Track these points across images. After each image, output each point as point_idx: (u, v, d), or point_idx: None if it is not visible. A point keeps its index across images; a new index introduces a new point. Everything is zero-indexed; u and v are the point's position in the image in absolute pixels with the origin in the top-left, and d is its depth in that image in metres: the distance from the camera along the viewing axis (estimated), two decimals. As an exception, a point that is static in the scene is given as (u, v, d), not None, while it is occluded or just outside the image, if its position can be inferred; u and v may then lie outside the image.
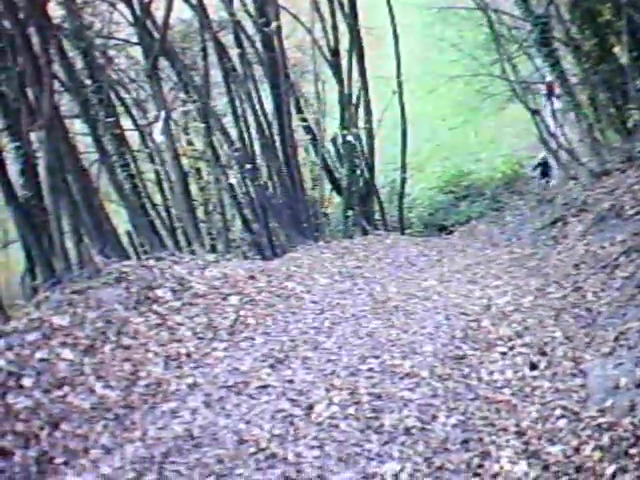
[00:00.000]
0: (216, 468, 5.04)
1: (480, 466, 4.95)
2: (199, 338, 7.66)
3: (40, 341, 6.76)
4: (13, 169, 15.08)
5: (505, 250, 14.72)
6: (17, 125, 13.80)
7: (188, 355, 7.22)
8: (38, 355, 6.53)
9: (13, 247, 20.49)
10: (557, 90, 21.02)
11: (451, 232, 20.48)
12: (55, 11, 15.86)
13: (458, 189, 22.53)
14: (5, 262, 20.75)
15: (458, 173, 23.08)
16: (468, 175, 23.27)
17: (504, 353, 7.25)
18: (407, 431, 5.62)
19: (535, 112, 20.06)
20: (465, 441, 5.41)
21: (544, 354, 6.99)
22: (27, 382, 6.13)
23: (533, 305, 8.72)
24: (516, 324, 8.05)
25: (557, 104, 22.19)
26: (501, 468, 4.88)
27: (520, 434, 5.41)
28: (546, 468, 4.82)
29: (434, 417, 5.87)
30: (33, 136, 13.34)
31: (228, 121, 21.65)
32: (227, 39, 21.33)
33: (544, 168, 21.09)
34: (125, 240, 18.43)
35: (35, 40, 11.74)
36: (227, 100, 21.44)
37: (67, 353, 6.68)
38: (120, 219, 18.54)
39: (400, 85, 22.91)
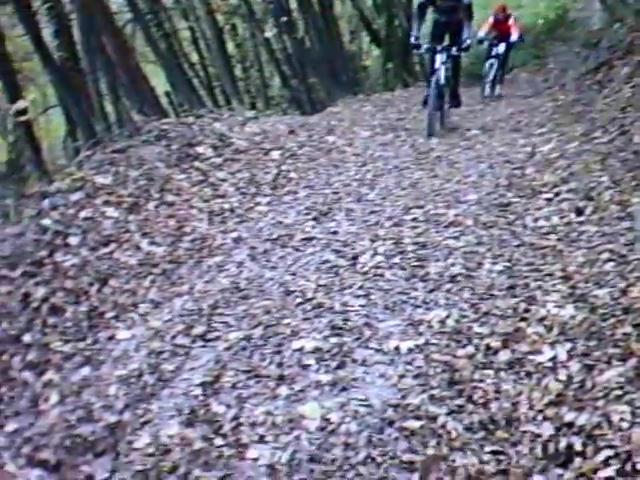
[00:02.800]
0: (263, 319, 5.09)
1: (527, 311, 4.93)
2: (242, 193, 7.66)
3: (84, 200, 6.78)
4: (47, 32, 14.92)
5: (549, 97, 14.42)
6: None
7: (232, 210, 7.23)
8: (83, 214, 6.56)
9: (53, 111, 20.51)
10: None
11: (493, 81, 20.08)
12: None
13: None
14: (46, 126, 20.80)
15: (500, 20, 22.40)
16: (510, 22, 22.61)
17: (549, 199, 7.15)
18: (452, 278, 5.61)
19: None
20: (511, 287, 5.39)
21: (590, 199, 6.88)
22: (74, 240, 6.18)
23: (578, 151, 8.55)
24: (561, 170, 7.92)
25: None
26: (548, 312, 4.86)
27: (566, 278, 5.38)
28: (593, 311, 4.79)
29: (479, 264, 5.85)
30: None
31: (262, -27, 21.15)
32: None
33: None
34: (164, 100, 18.35)
35: None
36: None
37: (111, 211, 6.71)
38: (158, 80, 18.40)
39: None
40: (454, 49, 11.48)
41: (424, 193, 7.83)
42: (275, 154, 8.96)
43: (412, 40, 11.65)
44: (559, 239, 6.16)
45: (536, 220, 6.67)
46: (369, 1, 23.46)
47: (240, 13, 20.74)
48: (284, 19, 19.92)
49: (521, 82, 19.11)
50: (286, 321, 5.03)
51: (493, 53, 16.90)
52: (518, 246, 6.12)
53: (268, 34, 20.54)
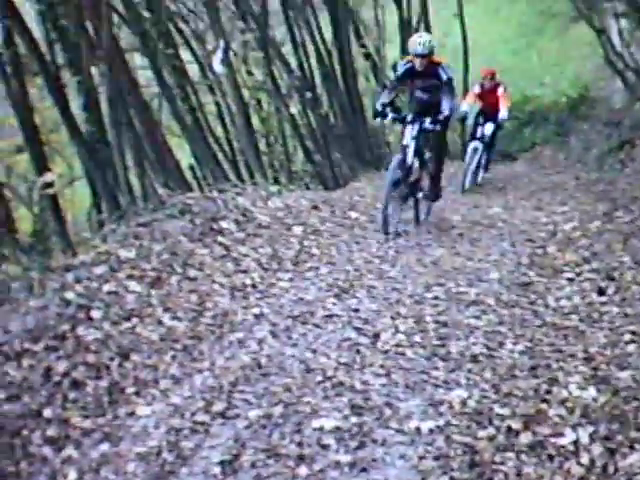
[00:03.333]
0: (284, 396, 5.08)
1: (548, 392, 4.91)
2: (264, 269, 7.69)
3: (108, 274, 6.83)
4: (75, 104, 15.17)
5: (571, 175, 14.50)
6: (78, 59, 13.84)
7: (254, 286, 7.25)
8: (106, 288, 6.61)
9: (78, 183, 20.74)
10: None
11: (515, 159, 20.19)
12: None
13: (522, 114, 22.09)
14: (71, 198, 21.02)
15: (522, 98, 22.58)
16: (532, 100, 22.80)
17: (571, 279, 7.17)
18: (474, 358, 5.60)
19: (601, 31, 19.52)
20: (533, 368, 5.37)
21: (612, 279, 6.89)
22: (96, 314, 6.21)
23: (600, 230, 8.58)
24: (583, 249, 7.94)
25: (624, 23, 21.52)
26: (569, 394, 4.83)
27: (588, 360, 5.36)
28: (615, 393, 4.76)
29: (501, 344, 5.84)
30: (94, 70, 13.39)
31: (287, 50, 21.49)
32: (285, -34, 21.06)
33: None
34: (188, 174, 18.53)
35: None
36: (286, 29, 21.26)
37: (134, 285, 6.75)
38: (183, 153, 18.61)
39: (461, 7, 22.48)
40: (428, 121, 9.82)
41: (445, 271, 7.85)
42: (297, 230, 9.02)
43: (377, 107, 10.25)
44: (581, 319, 6.16)
45: (558, 300, 6.67)
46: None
47: (265, 88, 21.01)
48: (309, 95, 20.19)
49: (543, 160, 19.21)
50: (306, 399, 5.02)
51: (478, 134, 14.97)
52: (540, 326, 6.12)
53: (293, 109, 20.80)
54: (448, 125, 10.44)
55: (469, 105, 14.96)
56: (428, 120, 9.80)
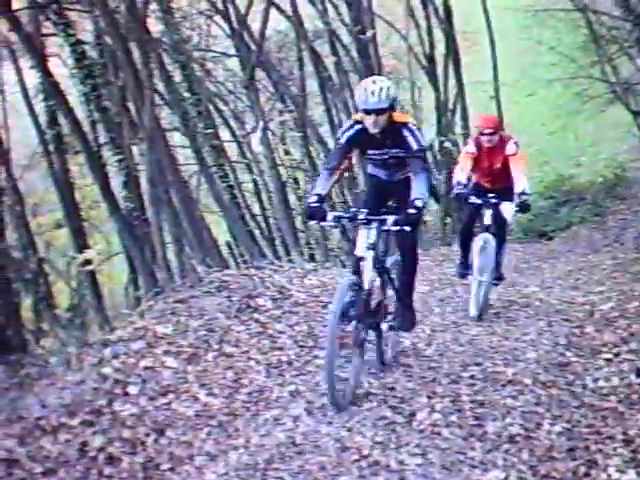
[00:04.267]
0: (319, 475, 5.06)
1: (587, 475, 4.85)
2: (300, 346, 7.69)
3: (144, 350, 6.89)
4: (116, 182, 15.45)
5: (608, 255, 14.42)
6: (119, 138, 14.14)
7: (289, 363, 7.25)
8: (143, 363, 6.66)
9: (116, 258, 20.98)
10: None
11: (551, 238, 20.13)
12: (154, 25, 16.22)
13: (558, 194, 22.07)
14: (109, 273, 21.24)
15: (558, 178, 22.58)
16: (568, 180, 22.79)
17: (609, 359, 7.10)
18: (511, 439, 5.55)
19: (637, 113, 19.59)
20: (571, 449, 5.31)
21: (651, 360, 6.82)
22: (133, 390, 6.25)
23: (638, 311, 8.51)
24: (621, 330, 7.88)
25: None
26: (609, 477, 4.77)
27: (628, 442, 5.29)
28: (656, 477, 4.70)
29: (538, 425, 5.78)
30: (135, 149, 13.65)
31: (325, 130, 21.80)
32: (323, 48, 21.49)
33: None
34: (225, 250, 18.69)
35: (136, 54, 12.02)
36: (323, 109, 21.60)
37: (171, 361, 6.80)
38: (220, 229, 18.81)
39: (497, 90, 22.72)
40: (391, 220, 6.38)
41: (482, 350, 7.81)
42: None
43: (310, 202, 6.51)
44: (620, 401, 6.09)
45: (596, 380, 6.61)
46: (429, 157, 23.96)
47: (303, 167, 21.28)
48: (345, 174, 20.41)
49: (580, 239, 19.15)
50: (342, 478, 5.00)
51: (485, 221, 9.50)
52: (578, 407, 6.06)
53: (329, 188, 20.99)
54: (421, 220, 7.10)
55: (466, 173, 9.51)
56: (391, 219, 6.40)
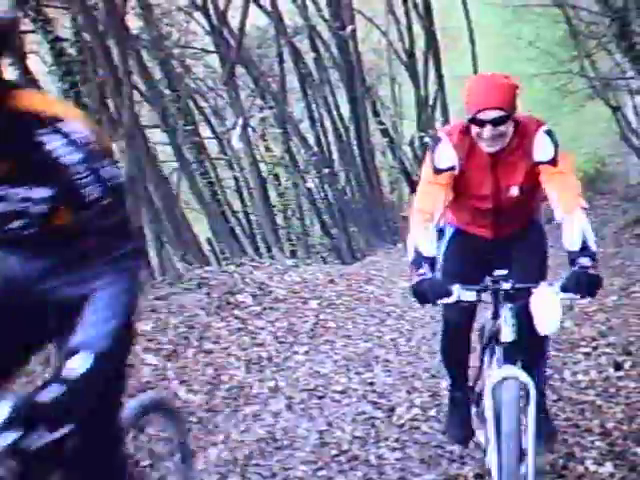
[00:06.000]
0: (298, 471, 5.06)
1: (564, 467, 4.86)
2: (280, 342, 7.70)
3: (124, 347, 6.87)
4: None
5: (587, 250, 14.47)
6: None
7: (269, 359, 7.26)
8: (123, 360, 6.64)
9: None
10: None
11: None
12: (133, 22, 16.16)
13: (538, 189, 22.24)
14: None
15: (538, 173, 22.75)
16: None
17: (588, 354, 7.12)
18: (490, 433, 5.56)
19: (616, 109, 19.68)
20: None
21: (629, 354, 6.84)
22: (112, 387, 6.23)
23: (617, 305, 8.54)
24: (599, 324, 7.90)
25: (639, 100, 21.72)
26: (586, 469, 4.79)
27: (605, 435, 5.31)
28: (633, 469, 4.71)
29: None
30: (114, 146, 13.60)
31: (305, 126, 21.81)
32: (303, 44, 21.49)
33: None
34: (206, 247, 18.66)
35: (114, 51, 11.98)
36: (304, 105, 21.61)
37: (151, 358, 6.79)
38: (201, 226, 18.76)
39: (477, 84, 22.74)
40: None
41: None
42: (314, 303, 9.04)
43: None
44: (597, 394, 6.11)
45: (574, 374, 6.63)
46: (409, 153, 23.99)
47: (283, 164, 21.29)
48: (326, 170, 20.43)
49: (560, 235, 19.24)
50: (321, 473, 5.00)
51: (503, 337, 3.97)
52: (556, 401, 6.07)
53: (310, 184, 21.04)
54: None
55: (434, 222, 4.23)
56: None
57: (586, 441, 5.21)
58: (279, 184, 22.29)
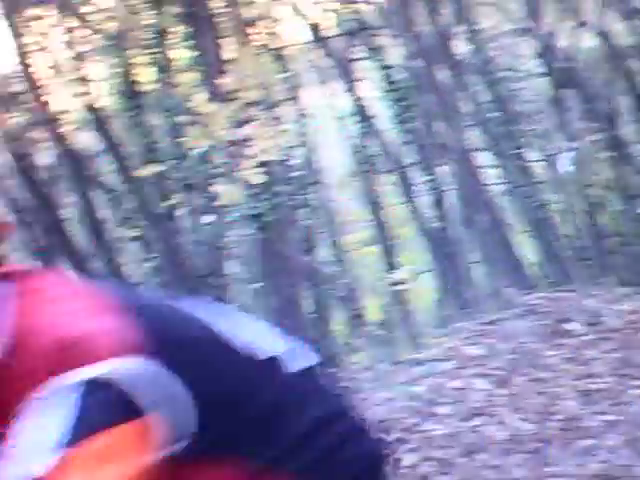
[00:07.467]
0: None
1: None
2: (615, 374, 7.41)
3: (454, 370, 6.92)
4: (422, 201, 15.71)
5: None
6: (427, 160, 14.39)
7: (603, 391, 7.00)
8: (452, 384, 6.69)
9: (423, 276, 21.31)
10: None
11: None
12: (459, 47, 16.36)
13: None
14: (415, 290, 21.62)
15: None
16: None
17: None
18: None
19: None
20: None
21: None
22: (442, 410, 6.29)
23: None
24: None
25: None
26: None
27: None
28: None
29: None
30: (442, 169, 13.85)
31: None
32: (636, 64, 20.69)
33: None
34: (534, 271, 18.44)
35: (442, 76, 12.18)
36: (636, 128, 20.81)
37: (480, 383, 6.78)
38: (528, 250, 18.56)
39: None
40: None
41: None
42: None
43: None
44: None
45: None
46: None
47: (612, 187, 20.59)
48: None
49: None
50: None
51: None
52: None
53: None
54: None
55: None
56: None
57: None
58: (605, 209, 21.54)
